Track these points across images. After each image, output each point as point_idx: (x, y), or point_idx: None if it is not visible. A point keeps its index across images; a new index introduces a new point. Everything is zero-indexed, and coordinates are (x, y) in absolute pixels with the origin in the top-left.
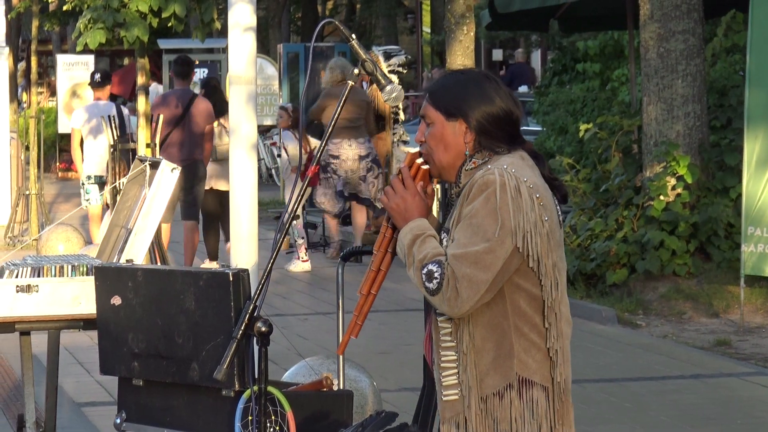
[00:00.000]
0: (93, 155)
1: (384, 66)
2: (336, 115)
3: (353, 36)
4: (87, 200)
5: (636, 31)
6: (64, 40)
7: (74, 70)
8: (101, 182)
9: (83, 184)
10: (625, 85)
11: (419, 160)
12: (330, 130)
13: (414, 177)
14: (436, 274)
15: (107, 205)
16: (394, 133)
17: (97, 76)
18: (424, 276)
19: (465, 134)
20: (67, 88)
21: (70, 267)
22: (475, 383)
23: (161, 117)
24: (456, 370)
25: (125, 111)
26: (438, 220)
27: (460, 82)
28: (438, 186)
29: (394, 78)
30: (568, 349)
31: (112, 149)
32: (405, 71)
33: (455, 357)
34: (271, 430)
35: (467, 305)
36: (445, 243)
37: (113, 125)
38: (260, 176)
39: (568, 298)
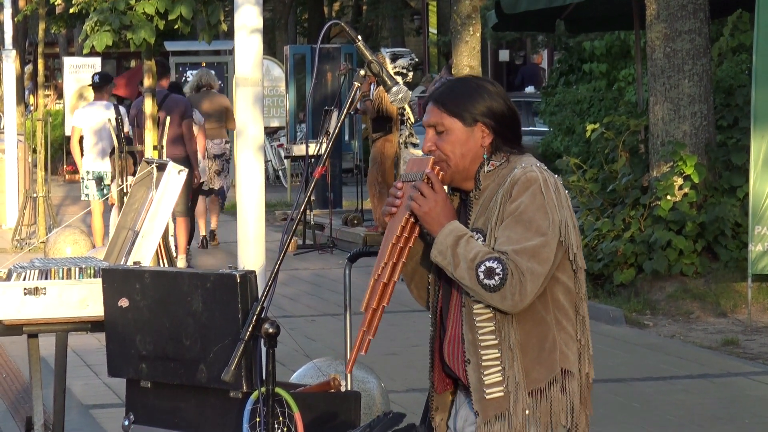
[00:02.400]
0: (90, 152)
1: (390, 67)
2: (340, 120)
3: (359, 37)
4: (86, 195)
5: (642, 31)
6: (71, 42)
7: (81, 72)
8: (98, 177)
9: (83, 179)
10: (632, 85)
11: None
12: (335, 132)
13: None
14: (498, 270)
15: (112, 203)
16: (400, 135)
17: (96, 77)
18: (482, 273)
19: (483, 139)
20: (73, 90)
21: (77, 269)
22: (522, 378)
23: (168, 119)
24: (500, 367)
25: (122, 111)
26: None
27: (471, 88)
28: None
29: (399, 79)
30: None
31: (119, 151)
32: (409, 73)
33: (498, 354)
34: (279, 431)
35: (528, 299)
36: (482, 244)
37: (120, 128)
38: (267, 178)
39: None
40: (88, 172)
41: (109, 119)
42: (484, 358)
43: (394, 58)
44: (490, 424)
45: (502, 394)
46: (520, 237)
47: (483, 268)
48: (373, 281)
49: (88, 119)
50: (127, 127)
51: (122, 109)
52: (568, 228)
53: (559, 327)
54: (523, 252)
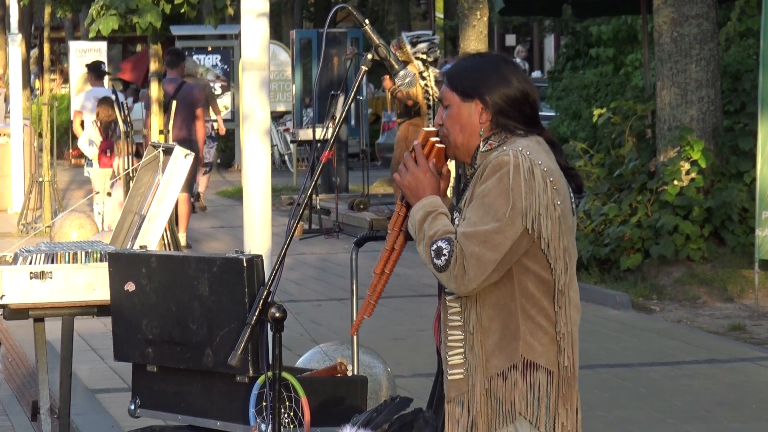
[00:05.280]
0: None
1: (410, 52)
2: (347, 104)
3: (366, 21)
4: (87, 172)
5: (649, 16)
6: (77, 26)
7: (87, 56)
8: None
9: (85, 158)
10: (639, 70)
11: (434, 139)
12: (342, 116)
13: (428, 155)
14: (445, 251)
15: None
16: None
17: (102, 66)
18: (432, 252)
19: (481, 115)
20: (79, 74)
21: (83, 253)
22: (481, 363)
23: (174, 103)
24: (462, 350)
25: (121, 97)
26: (452, 200)
27: (477, 63)
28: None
29: (420, 64)
30: (577, 334)
31: (125, 135)
32: (430, 58)
33: (462, 336)
34: (286, 415)
35: (474, 284)
36: (456, 222)
37: (126, 111)
38: (273, 162)
39: (578, 284)
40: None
41: (116, 104)
42: (450, 338)
43: (414, 42)
44: (452, 404)
45: (461, 376)
46: (477, 220)
47: (434, 246)
48: (384, 248)
49: (88, 105)
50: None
51: (120, 95)
52: (540, 217)
53: (525, 316)
54: (473, 236)
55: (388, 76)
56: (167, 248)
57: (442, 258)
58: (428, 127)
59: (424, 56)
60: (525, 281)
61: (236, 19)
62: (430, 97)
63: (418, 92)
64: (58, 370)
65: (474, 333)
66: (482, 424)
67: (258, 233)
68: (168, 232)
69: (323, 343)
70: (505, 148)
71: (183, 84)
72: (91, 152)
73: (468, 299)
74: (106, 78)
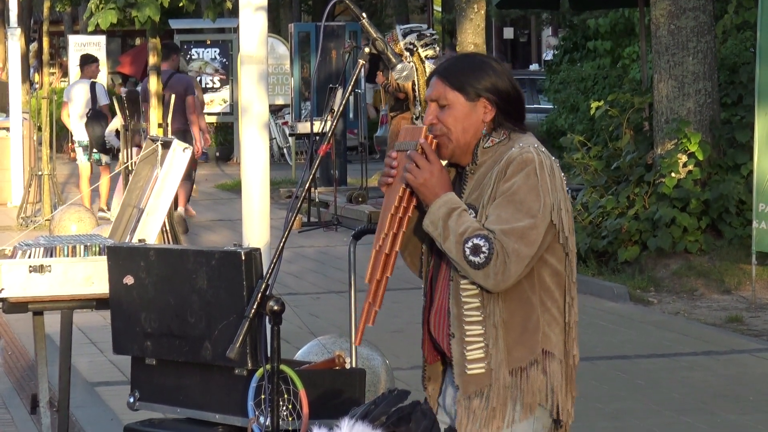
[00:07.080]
0: (77, 124)
1: (401, 44)
2: (345, 97)
3: (364, 15)
4: (77, 159)
5: (647, 9)
6: (76, 20)
7: (86, 50)
8: (83, 146)
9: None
10: (636, 63)
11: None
12: (340, 109)
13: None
14: (484, 249)
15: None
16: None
17: (78, 59)
18: (468, 250)
19: (485, 114)
20: (78, 68)
21: (82, 247)
22: (505, 356)
23: (173, 97)
24: (482, 344)
25: (98, 88)
26: None
27: (476, 64)
28: None
29: (407, 55)
30: None
31: (124, 128)
32: (427, 48)
33: (482, 331)
34: (284, 408)
35: (512, 280)
36: (472, 219)
37: (124, 105)
38: (272, 155)
39: None
40: (75, 141)
41: (116, 98)
42: (467, 333)
43: (405, 34)
44: (470, 399)
45: (483, 370)
46: (510, 217)
47: (470, 244)
48: (375, 253)
49: (73, 95)
50: (104, 102)
51: (99, 87)
52: (561, 211)
53: (543, 308)
54: (511, 233)
55: (380, 72)
56: (166, 241)
57: (481, 255)
58: (418, 117)
59: (412, 46)
60: (543, 274)
61: (235, 12)
62: (418, 89)
63: (407, 84)
64: (57, 363)
65: (498, 327)
66: (501, 415)
67: (256, 226)
68: (167, 226)
69: (322, 335)
70: (521, 145)
71: (172, 75)
72: (117, 143)
73: (489, 294)
74: (103, 69)
